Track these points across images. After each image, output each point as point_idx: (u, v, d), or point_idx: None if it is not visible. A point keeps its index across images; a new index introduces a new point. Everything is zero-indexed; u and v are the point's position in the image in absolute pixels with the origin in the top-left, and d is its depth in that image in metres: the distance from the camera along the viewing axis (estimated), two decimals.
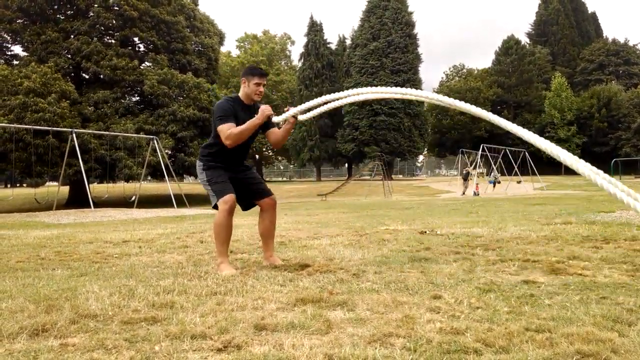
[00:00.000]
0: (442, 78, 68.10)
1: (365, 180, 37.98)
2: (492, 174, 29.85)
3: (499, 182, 29.21)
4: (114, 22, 26.86)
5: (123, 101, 27.10)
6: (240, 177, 3.74)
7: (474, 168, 29.00)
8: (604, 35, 63.92)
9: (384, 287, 2.90)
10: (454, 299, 2.56)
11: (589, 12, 64.43)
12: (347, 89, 41.48)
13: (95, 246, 5.29)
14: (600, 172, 2.50)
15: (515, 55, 56.38)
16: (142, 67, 27.87)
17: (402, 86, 46.21)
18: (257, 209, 3.88)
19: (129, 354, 1.86)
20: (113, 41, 27.85)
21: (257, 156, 56.73)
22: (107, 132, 21.78)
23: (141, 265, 3.90)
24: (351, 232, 5.96)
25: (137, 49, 29.10)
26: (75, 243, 5.63)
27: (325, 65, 50.55)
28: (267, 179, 64.03)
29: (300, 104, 3.68)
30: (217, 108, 3.60)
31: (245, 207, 3.86)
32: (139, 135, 22.93)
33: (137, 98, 28.85)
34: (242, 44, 62.58)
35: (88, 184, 17.22)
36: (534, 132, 2.80)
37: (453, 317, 2.26)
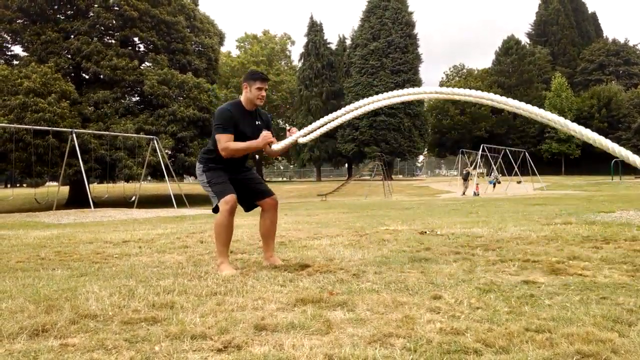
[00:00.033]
0: (442, 78, 68.13)
1: (365, 180, 37.99)
2: (493, 174, 29.86)
3: (499, 182, 29.22)
4: (114, 22, 26.87)
5: (123, 101, 27.10)
6: (240, 178, 3.74)
7: (474, 168, 29.01)
8: (604, 35, 63.95)
9: (384, 287, 2.90)
10: (454, 299, 2.56)
11: (589, 12, 64.44)
12: (347, 89, 41.50)
13: (95, 246, 5.29)
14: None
15: (516, 56, 56.39)
16: (142, 67, 27.88)
17: (401, 86, 46.38)
18: (258, 209, 3.88)
19: (129, 354, 1.86)
20: (113, 41, 27.85)
21: (257, 156, 56.73)
22: (107, 132, 21.79)
23: (141, 266, 3.90)
24: (351, 233, 5.96)
25: (137, 49, 29.11)
26: (75, 243, 5.63)
27: (325, 65, 50.57)
28: (267, 179, 64.03)
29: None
30: (217, 115, 3.61)
31: (248, 208, 3.86)
32: (139, 136, 22.93)
33: (137, 98, 28.86)
34: (242, 44, 62.56)
35: (88, 184, 17.22)
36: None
37: (453, 317, 2.26)
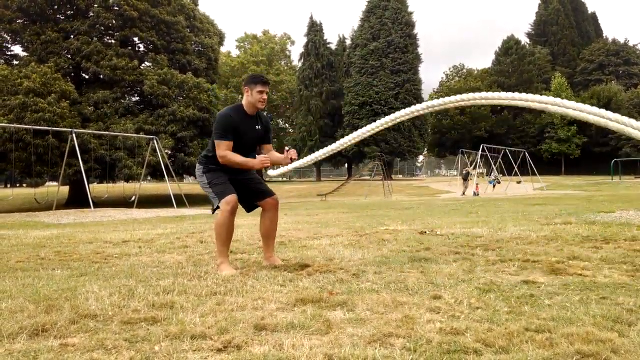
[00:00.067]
0: (442, 78, 68.13)
1: (365, 180, 37.99)
2: (493, 174, 29.86)
3: (499, 183, 29.22)
4: (114, 22, 26.87)
5: (123, 101, 27.10)
6: (241, 179, 3.74)
7: (474, 168, 29.01)
8: (604, 35, 63.96)
9: (384, 287, 2.90)
10: (454, 300, 2.56)
11: (589, 12, 64.45)
12: (347, 89, 41.38)
13: (95, 246, 5.29)
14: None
15: (516, 56, 56.41)
16: (142, 68, 27.88)
17: (401, 86, 46.19)
18: (259, 209, 3.88)
19: (129, 354, 1.86)
20: (113, 41, 27.85)
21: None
22: (107, 133, 21.79)
23: (141, 266, 3.90)
24: (351, 233, 5.96)
25: (137, 49, 29.10)
26: (75, 243, 5.63)
27: (325, 65, 50.59)
28: (268, 179, 64.04)
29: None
30: (217, 120, 3.62)
31: (249, 209, 3.86)
32: (139, 136, 22.93)
33: (137, 98, 28.85)
34: (242, 44, 62.59)
35: (88, 184, 17.22)
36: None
37: (453, 317, 2.26)
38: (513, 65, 56.46)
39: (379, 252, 4.26)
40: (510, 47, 57.21)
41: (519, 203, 12.63)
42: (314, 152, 4.12)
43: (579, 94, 53.19)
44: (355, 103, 46.33)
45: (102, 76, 26.31)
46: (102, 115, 25.50)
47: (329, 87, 50.20)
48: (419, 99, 48.18)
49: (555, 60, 58.83)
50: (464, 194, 25.74)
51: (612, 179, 37.50)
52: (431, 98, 60.49)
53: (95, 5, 26.76)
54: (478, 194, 23.68)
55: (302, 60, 52.09)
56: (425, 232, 5.67)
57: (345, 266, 3.60)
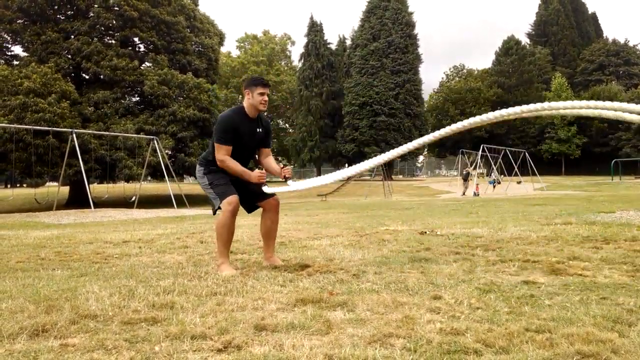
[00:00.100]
0: (442, 78, 68.14)
1: (365, 180, 37.97)
2: (493, 174, 29.86)
3: (499, 183, 29.22)
4: (114, 22, 26.87)
5: (123, 101, 27.11)
6: (241, 180, 3.75)
7: (474, 168, 29.02)
8: (604, 35, 63.96)
9: (384, 287, 2.90)
10: (454, 300, 2.56)
11: (589, 12, 64.46)
12: (348, 89, 41.20)
13: (95, 246, 5.29)
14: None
15: (516, 56, 56.41)
16: (142, 68, 27.88)
17: (402, 86, 46.10)
18: (259, 210, 3.88)
19: (129, 355, 1.86)
20: (113, 41, 27.86)
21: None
22: (107, 133, 21.79)
23: (141, 266, 3.90)
24: (351, 233, 5.96)
25: (137, 49, 29.11)
26: (75, 243, 5.63)
27: (325, 65, 50.60)
28: (268, 179, 63.90)
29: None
30: (218, 122, 3.63)
31: (249, 209, 3.86)
32: (139, 136, 22.93)
33: (137, 98, 28.86)
34: (242, 44, 62.62)
35: (88, 184, 17.22)
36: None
37: (453, 317, 2.26)
38: (513, 65, 56.47)
39: (379, 252, 4.26)
40: (510, 47, 57.22)
41: (519, 203, 12.64)
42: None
43: (579, 94, 53.18)
44: (356, 103, 46.35)
45: (102, 76, 26.32)
46: (102, 115, 25.51)
47: (329, 87, 50.21)
48: (418, 99, 48.22)
49: (555, 60, 58.84)
50: (464, 194, 25.75)
51: (612, 179, 37.51)
52: (431, 98, 60.64)
53: (95, 6, 26.76)
54: (478, 194, 23.68)
55: (302, 61, 52.10)
56: (425, 232, 5.67)
57: (345, 266, 3.60)
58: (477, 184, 25.13)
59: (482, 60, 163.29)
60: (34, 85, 22.49)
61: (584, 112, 3.02)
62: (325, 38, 52.11)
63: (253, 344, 1.97)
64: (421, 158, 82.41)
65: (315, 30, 51.50)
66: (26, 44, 26.96)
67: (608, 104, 2.86)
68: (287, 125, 63.12)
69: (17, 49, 28.89)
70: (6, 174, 32.28)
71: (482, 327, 2.09)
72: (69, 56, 26.56)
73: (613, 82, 54.56)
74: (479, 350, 1.83)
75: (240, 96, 4.23)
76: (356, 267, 3.57)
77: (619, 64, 57.25)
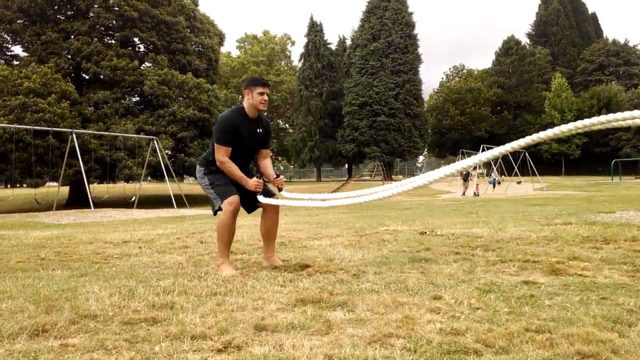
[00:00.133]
0: (442, 78, 68.13)
1: (365, 180, 37.99)
2: (492, 174, 29.86)
3: (499, 183, 29.21)
4: (114, 22, 26.85)
5: (123, 101, 27.08)
6: None
7: (474, 168, 29.00)
8: (604, 35, 63.95)
9: (384, 287, 2.90)
10: (454, 300, 2.56)
11: (589, 12, 64.44)
12: (347, 89, 41.18)
13: (95, 246, 5.29)
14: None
15: (516, 56, 56.40)
16: (142, 68, 27.86)
17: (402, 86, 45.94)
18: (259, 210, 3.87)
19: (129, 355, 1.86)
20: (113, 41, 27.83)
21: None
22: (107, 133, 21.78)
23: (141, 266, 3.90)
24: (351, 233, 5.96)
25: (137, 49, 29.09)
26: (75, 243, 5.63)
27: (325, 65, 50.58)
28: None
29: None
30: (218, 122, 3.63)
31: (249, 210, 3.86)
32: (139, 136, 22.93)
33: (137, 98, 28.83)
34: (242, 45, 62.60)
35: (88, 185, 17.22)
36: (534, 133, 2.77)
37: (453, 317, 2.26)
38: (513, 66, 56.46)
39: (379, 253, 4.26)
40: (510, 47, 57.20)
41: (519, 203, 12.64)
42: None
43: (579, 94, 53.23)
44: (355, 103, 46.33)
45: (102, 76, 26.30)
46: (102, 115, 25.49)
47: (329, 87, 50.20)
48: (418, 99, 48.21)
49: (555, 60, 58.83)
50: (464, 194, 25.74)
51: (612, 179, 37.50)
52: (431, 98, 60.63)
53: (95, 6, 26.74)
54: (478, 194, 23.68)
55: (302, 61, 52.08)
56: (425, 232, 5.67)
57: (345, 266, 3.60)
58: (477, 184, 25.13)
59: (482, 60, 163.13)
60: (34, 85, 22.47)
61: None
62: (325, 38, 52.11)
63: (253, 344, 1.97)
64: (421, 158, 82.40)
65: (315, 30, 51.49)
66: (26, 44, 26.94)
67: None
68: (287, 125, 63.12)
69: (17, 49, 28.89)
70: (6, 174, 32.27)
71: (482, 327, 2.09)
72: (69, 56, 26.54)
73: (613, 82, 54.58)
74: (479, 351, 1.83)
75: (240, 96, 4.22)
76: (356, 267, 3.57)
77: (619, 64, 57.25)
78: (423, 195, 28.51)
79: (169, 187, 20.56)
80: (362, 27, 48.47)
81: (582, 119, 2.90)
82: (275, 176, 3.78)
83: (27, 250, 5.09)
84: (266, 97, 3.64)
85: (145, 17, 26.73)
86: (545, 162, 50.30)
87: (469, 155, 33.92)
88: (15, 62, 27.40)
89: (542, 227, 5.88)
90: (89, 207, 15.86)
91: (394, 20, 46.78)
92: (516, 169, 30.76)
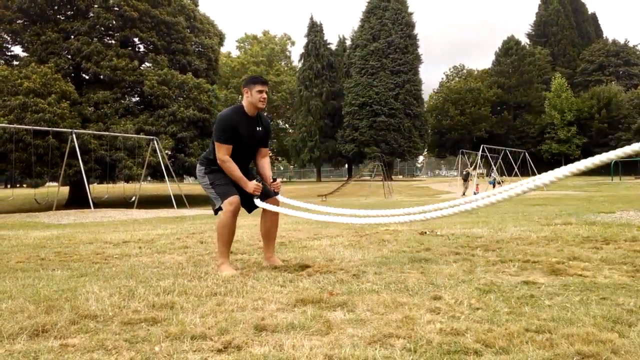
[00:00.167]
0: (442, 79, 68.19)
1: (365, 180, 37.96)
2: (492, 174, 29.87)
3: (499, 184, 29.19)
4: (114, 22, 26.86)
5: (123, 102, 27.09)
6: None
7: (474, 169, 29.03)
8: (604, 36, 63.96)
9: (384, 287, 2.90)
10: (454, 300, 2.56)
11: (589, 12, 64.46)
12: (347, 89, 41.08)
13: (95, 247, 5.29)
14: None
15: (515, 56, 56.41)
16: (142, 68, 27.87)
17: (401, 87, 45.90)
18: (259, 210, 3.87)
19: (129, 355, 1.86)
20: (113, 42, 27.84)
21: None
22: (107, 133, 21.79)
23: (141, 266, 3.90)
24: (351, 233, 5.96)
25: (137, 49, 29.10)
26: (75, 244, 5.63)
27: (325, 65, 50.59)
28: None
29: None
30: (218, 121, 3.63)
31: (249, 209, 3.86)
32: (139, 136, 22.93)
33: (137, 99, 28.84)
34: (242, 45, 62.61)
35: (88, 185, 17.23)
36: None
37: (453, 317, 2.26)
38: (513, 66, 56.47)
39: (379, 253, 4.26)
40: (510, 47, 57.22)
41: (519, 203, 12.64)
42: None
43: (579, 95, 53.23)
44: (355, 103, 46.35)
45: (102, 76, 26.31)
46: (102, 115, 25.49)
47: (329, 88, 50.20)
48: (418, 99, 48.23)
49: (555, 60, 58.85)
50: (464, 194, 25.76)
51: (612, 180, 37.51)
52: (431, 98, 60.65)
53: (95, 6, 26.74)
54: (478, 194, 23.67)
55: (302, 61, 52.09)
56: (425, 233, 5.67)
57: (345, 266, 3.60)
58: (477, 184, 25.14)
59: (482, 60, 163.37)
60: (34, 85, 22.48)
61: None
62: (325, 38, 52.12)
63: (253, 344, 1.97)
64: (421, 158, 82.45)
65: (315, 30, 51.50)
66: (26, 44, 26.95)
67: None
68: (287, 125, 63.12)
69: (17, 49, 28.90)
70: (6, 174, 32.27)
71: (482, 327, 2.09)
72: (69, 56, 26.54)
73: (613, 82, 54.58)
74: (479, 351, 1.83)
75: (240, 96, 4.21)
76: (356, 267, 3.57)
77: (618, 65, 57.26)
78: (423, 195, 28.52)
79: (169, 188, 20.56)
80: (362, 27, 48.48)
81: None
82: (272, 179, 3.77)
83: (27, 250, 5.09)
84: (265, 96, 3.64)
85: (145, 17, 26.73)
86: (545, 162, 50.26)
87: (469, 155, 34.00)
88: (15, 62, 27.40)
89: (542, 227, 5.88)
90: (88, 207, 15.87)
91: (394, 20, 46.79)
92: (516, 169, 30.78)
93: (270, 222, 3.78)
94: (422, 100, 50.26)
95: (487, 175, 33.81)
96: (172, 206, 18.46)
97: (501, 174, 31.29)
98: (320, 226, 7.12)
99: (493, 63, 59.55)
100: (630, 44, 58.70)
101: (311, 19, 52.08)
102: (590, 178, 41.43)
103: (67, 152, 17.85)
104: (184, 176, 34.22)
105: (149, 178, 29.09)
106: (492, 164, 29.55)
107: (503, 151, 28.78)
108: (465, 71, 65.84)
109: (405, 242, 4.91)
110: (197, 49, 30.74)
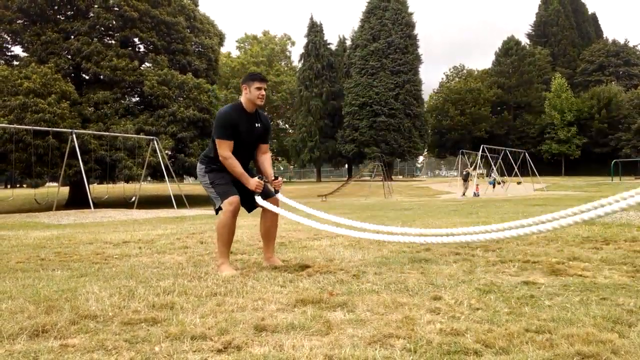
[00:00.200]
0: (442, 79, 68.21)
1: (365, 181, 37.97)
2: (492, 174, 29.87)
3: (499, 184, 29.20)
4: (114, 22, 26.86)
5: (123, 102, 27.09)
6: None
7: (474, 169, 29.02)
8: (604, 36, 63.96)
9: (384, 288, 2.90)
10: (454, 300, 2.56)
11: (589, 13, 64.45)
12: (347, 89, 41.12)
13: (95, 247, 5.29)
14: None
15: (516, 56, 56.43)
16: (142, 68, 27.87)
17: (401, 87, 45.93)
18: (259, 210, 3.87)
19: (129, 355, 1.86)
20: (113, 42, 27.84)
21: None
22: (107, 133, 21.79)
23: (141, 266, 3.90)
24: None
25: (137, 49, 29.10)
26: (75, 244, 5.63)
27: (325, 65, 50.59)
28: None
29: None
30: (217, 118, 3.63)
31: (249, 209, 3.86)
32: (139, 136, 22.93)
33: (137, 99, 28.84)
34: (242, 45, 62.61)
35: (88, 185, 17.22)
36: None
37: (453, 318, 2.26)
38: (513, 66, 56.48)
39: (379, 253, 4.26)
40: (510, 47, 57.23)
41: (519, 203, 12.64)
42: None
43: (579, 95, 53.24)
44: (355, 103, 46.35)
45: (102, 76, 26.31)
46: (102, 115, 25.49)
47: (329, 88, 50.20)
48: (418, 100, 48.23)
49: (555, 60, 58.85)
50: (464, 194, 25.74)
51: (612, 180, 37.50)
52: (431, 98, 60.65)
53: (95, 6, 26.74)
54: (478, 195, 23.69)
55: (302, 61, 52.09)
56: None
57: (345, 267, 3.60)
58: (477, 185, 25.14)
59: (482, 60, 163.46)
60: (34, 85, 22.48)
61: None
62: (325, 38, 52.11)
63: (253, 344, 1.97)
64: (421, 159, 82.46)
65: (315, 30, 51.50)
66: (26, 44, 26.95)
67: None
68: (287, 125, 63.13)
69: (17, 49, 28.90)
70: (6, 175, 32.27)
71: (482, 327, 2.09)
72: (69, 56, 26.54)
73: (613, 82, 54.59)
74: (479, 351, 1.83)
75: (240, 96, 4.17)
76: (356, 267, 3.57)
77: (619, 65, 57.27)
78: (423, 195, 28.52)
79: (169, 188, 20.56)
80: (362, 28, 48.48)
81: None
82: (274, 177, 3.77)
83: (27, 250, 5.09)
84: (264, 92, 3.64)
85: (145, 18, 26.74)
86: (546, 162, 50.33)
87: (469, 155, 34.00)
88: (15, 63, 27.40)
89: None
90: (88, 207, 15.86)
91: (394, 20, 46.80)
92: (516, 169, 30.77)
93: (270, 222, 3.79)
94: (422, 100, 50.26)
95: (487, 176, 33.79)
96: (172, 206, 18.46)
97: (501, 174, 31.29)
98: None
99: (493, 63, 59.58)
100: (630, 44, 58.74)
101: (311, 19, 52.10)
102: (590, 178, 41.43)
103: (67, 152, 17.85)
104: (184, 176, 34.23)
105: (149, 178, 29.10)
106: (492, 164, 29.55)
107: (503, 151, 28.78)
108: (465, 71, 65.82)
109: (405, 242, 4.91)
110: (197, 49, 30.74)
